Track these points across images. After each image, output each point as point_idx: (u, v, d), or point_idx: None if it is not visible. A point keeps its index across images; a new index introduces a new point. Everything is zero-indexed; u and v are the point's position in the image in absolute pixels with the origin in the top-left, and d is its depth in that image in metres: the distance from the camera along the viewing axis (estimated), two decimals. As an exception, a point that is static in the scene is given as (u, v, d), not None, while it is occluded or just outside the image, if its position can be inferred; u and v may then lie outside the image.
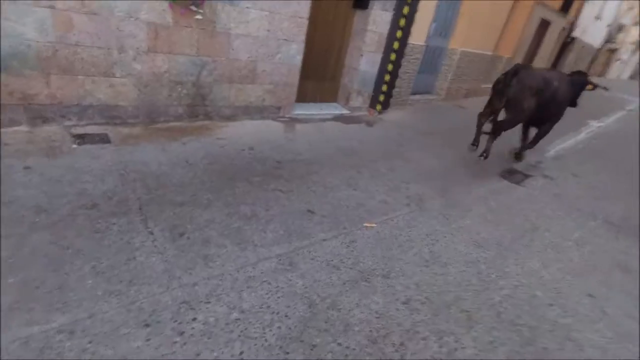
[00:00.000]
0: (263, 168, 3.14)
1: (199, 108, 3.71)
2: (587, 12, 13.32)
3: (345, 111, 5.09)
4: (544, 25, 10.01)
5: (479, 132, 4.24)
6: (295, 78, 4.20)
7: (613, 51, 23.00)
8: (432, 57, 6.61)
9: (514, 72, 3.77)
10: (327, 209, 2.74)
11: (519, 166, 4.51)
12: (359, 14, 4.69)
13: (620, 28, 20.81)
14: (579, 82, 4.18)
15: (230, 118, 3.99)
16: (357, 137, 4.36)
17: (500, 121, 4.10)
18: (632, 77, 28.30)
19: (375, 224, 2.70)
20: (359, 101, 5.19)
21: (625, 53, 25.27)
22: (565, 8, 10.44)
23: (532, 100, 3.80)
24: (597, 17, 15.49)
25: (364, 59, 4.84)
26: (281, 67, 4.01)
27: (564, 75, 4.23)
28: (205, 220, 2.32)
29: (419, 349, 1.75)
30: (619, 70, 25.31)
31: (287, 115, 4.40)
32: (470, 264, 2.46)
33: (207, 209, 2.44)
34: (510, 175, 4.18)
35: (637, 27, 23.78)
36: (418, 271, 2.29)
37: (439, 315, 1.98)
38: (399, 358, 1.68)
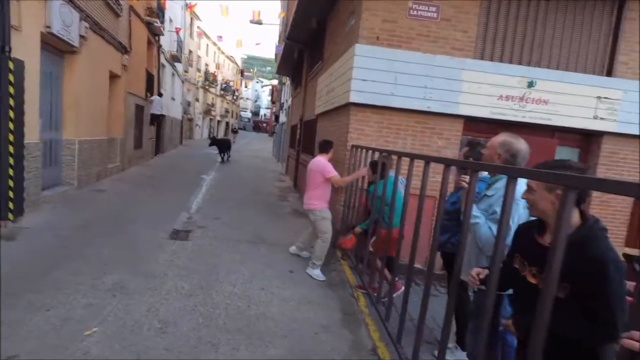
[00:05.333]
0: None
1: None
2: (165, 95, 16.76)
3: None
4: (140, 108, 11.81)
5: None
6: None
7: (191, 120, 29.92)
8: (51, 150, 6.31)
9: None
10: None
11: (179, 226, 5.54)
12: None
13: (188, 103, 27.51)
14: None
15: None
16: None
17: None
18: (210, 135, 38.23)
19: (96, 328, 2.72)
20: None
21: (199, 120, 33.60)
22: (148, 98, 12.85)
23: None
24: (173, 98, 19.83)
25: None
26: None
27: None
28: None
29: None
30: (199, 132, 33.29)
31: None
32: (192, 311, 3.14)
33: None
34: (177, 235, 5.12)
35: (199, 102, 32.43)
36: (159, 340, 2.69)
37: (195, 355, 2.55)
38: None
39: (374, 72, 4.88)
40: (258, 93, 76.34)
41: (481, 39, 5.16)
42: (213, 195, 8.35)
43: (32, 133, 5.19)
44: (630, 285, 1.03)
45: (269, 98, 70.09)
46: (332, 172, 4.33)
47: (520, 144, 2.01)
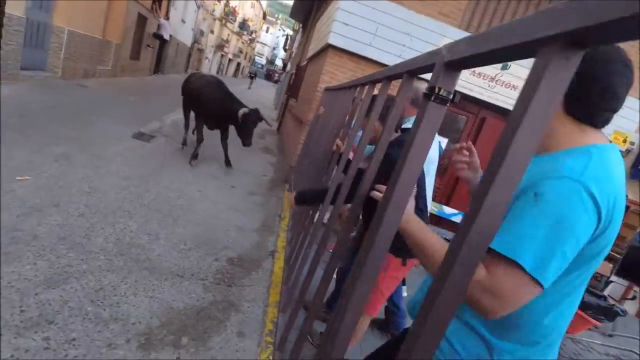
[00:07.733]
0: None
1: None
2: (174, 15, 16.37)
3: None
4: (142, 19, 11.62)
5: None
6: None
7: (201, 51, 29.21)
8: (37, 32, 6.37)
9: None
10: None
11: (145, 130, 5.77)
12: None
13: (201, 33, 26.72)
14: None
15: None
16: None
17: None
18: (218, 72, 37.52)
19: (29, 177, 3.02)
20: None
21: (209, 53, 32.81)
22: (155, 10, 12.51)
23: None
24: (183, 21, 19.30)
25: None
26: None
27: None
28: None
29: (101, 234, 2.61)
30: (207, 66, 32.66)
31: None
32: (123, 189, 3.45)
33: None
34: (140, 136, 5.36)
35: (213, 35, 31.53)
36: (83, 198, 3.01)
37: (108, 217, 2.88)
38: (87, 241, 2.48)
39: (357, 18, 4.92)
40: (278, 41, 74.03)
41: (470, 10, 5.17)
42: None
43: (17, 6, 5.26)
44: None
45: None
46: None
47: (419, 84, 2.24)
